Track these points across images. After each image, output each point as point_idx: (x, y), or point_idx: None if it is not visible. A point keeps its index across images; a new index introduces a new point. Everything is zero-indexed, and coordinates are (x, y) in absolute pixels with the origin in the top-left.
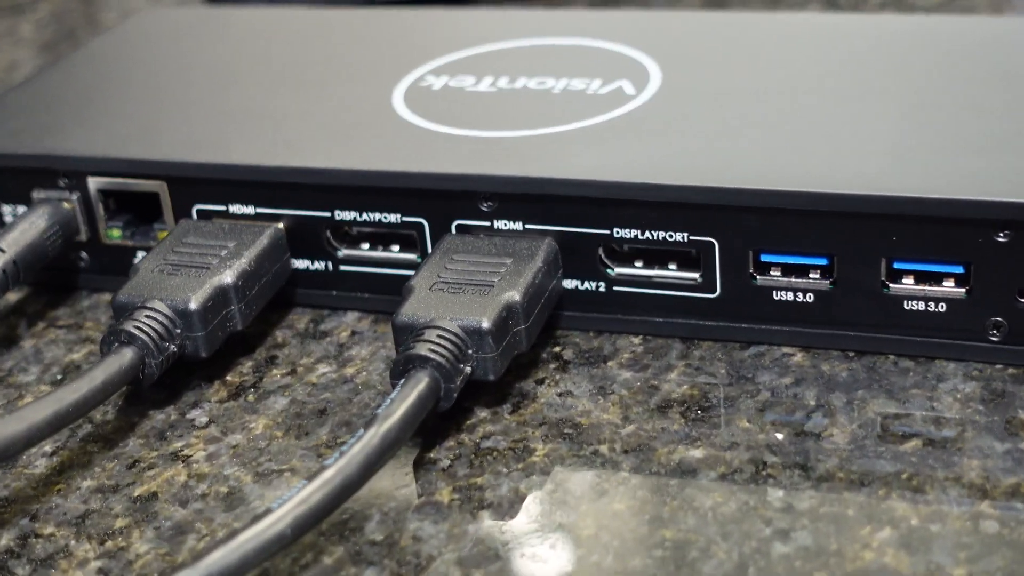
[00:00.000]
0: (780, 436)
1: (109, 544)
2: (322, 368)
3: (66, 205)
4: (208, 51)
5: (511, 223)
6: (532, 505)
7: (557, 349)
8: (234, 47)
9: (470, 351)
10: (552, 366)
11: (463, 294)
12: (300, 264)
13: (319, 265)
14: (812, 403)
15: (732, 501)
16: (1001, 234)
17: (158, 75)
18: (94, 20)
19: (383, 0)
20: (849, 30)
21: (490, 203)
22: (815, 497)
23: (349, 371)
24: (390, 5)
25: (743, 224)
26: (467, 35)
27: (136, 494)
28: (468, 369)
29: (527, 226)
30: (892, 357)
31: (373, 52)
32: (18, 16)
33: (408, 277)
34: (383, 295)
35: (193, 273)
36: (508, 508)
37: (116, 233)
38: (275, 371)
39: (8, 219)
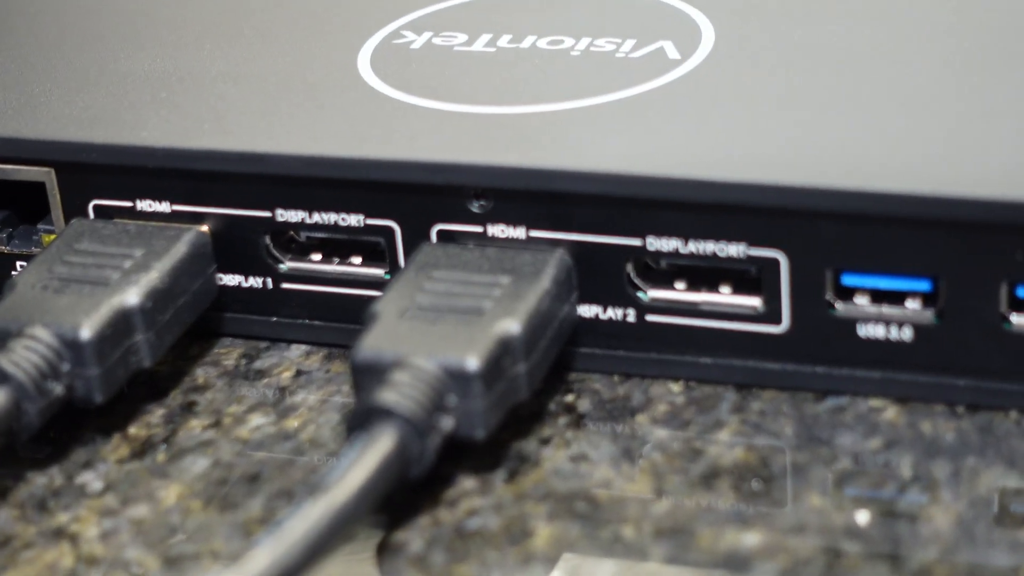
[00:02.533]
0: (863, 518)
1: None
2: (256, 419)
3: None
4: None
5: (511, 229)
6: None
7: (570, 398)
8: None
9: (451, 399)
10: (562, 421)
11: (444, 323)
12: (230, 280)
13: (255, 282)
14: (907, 474)
15: (780, 554)
16: None
17: (42, 24)
18: None
19: None
20: None
21: (483, 202)
22: None
23: (292, 424)
24: None
25: (819, 235)
26: None
27: None
28: (448, 424)
29: (532, 233)
30: (1014, 414)
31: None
32: None
33: (373, 299)
34: (339, 323)
35: (87, 291)
36: None
37: None
38: (194, 422)
39: None
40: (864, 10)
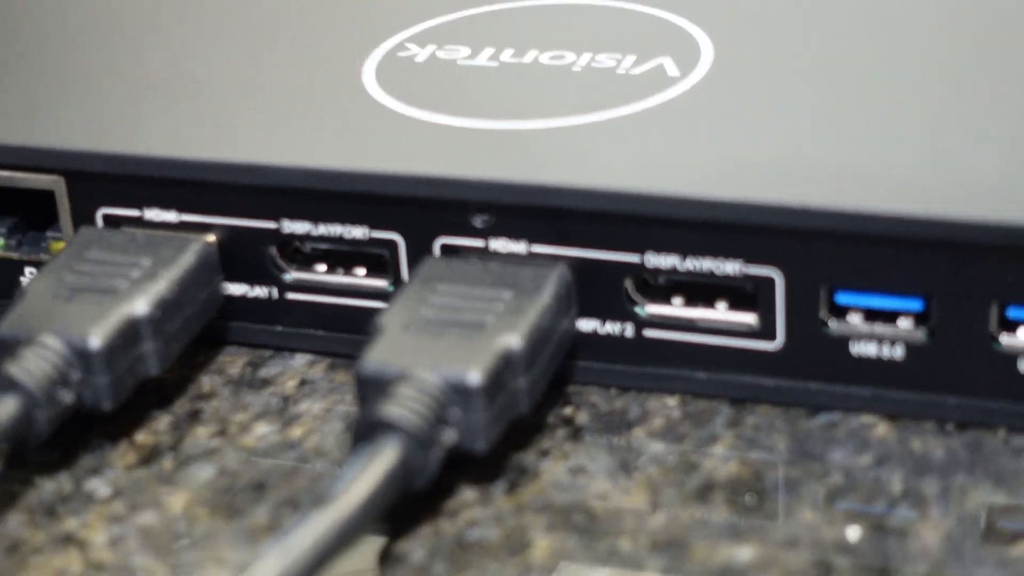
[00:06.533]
0: (854, 533)
1: None
2: (261, 428)
3: None
4: None
5: (512, 243)
6: None
7: (568, 411)
8: None
9: (453, 412)
10: (561, 433)
11: (447, 336)
12: (236, 290)
13: (261, 291)
14: (897, 490)
15: (774, 566)
16: None
17: (51, 26)
18: None
19: None
20: None
21: (486, 217)
22: None
23: (296, 433)
24: None
25: (813, 253)
26: None
27: None
28: (451, 437)
29: (533, 248)
30: (1002, 432)
31: (340, 4)
32: None
33: (377, 311)
34: (343, 333)
35: (96, 300)
36: None
37: None
38: (200, 430)
39: None
40: (862, 30)
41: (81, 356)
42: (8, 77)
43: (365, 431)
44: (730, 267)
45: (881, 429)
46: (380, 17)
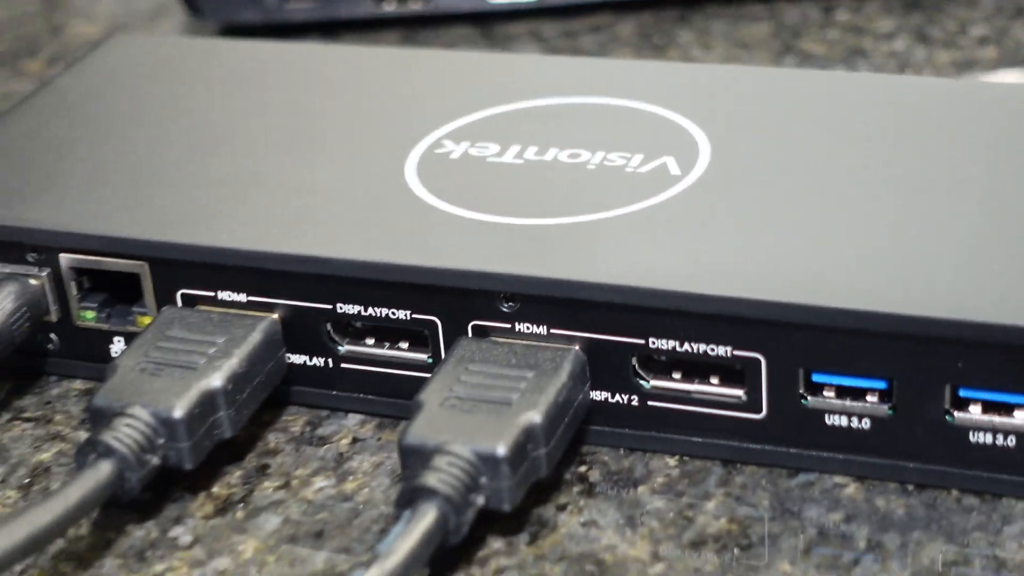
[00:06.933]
0: None
1: None
2: (319, 482)
3: (34, 282)
4: (194, 98)
5: (534, 327)
6: None
7: (583, 469)
8: (223, 94)
9: (483, 479)
10: (576, 489)
11: (478, 413)
12: (297, 359)
13: (318, 361)
14: (863, 545)
15: None
16: None
17: (137, 128)
18: (58, 30)
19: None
20: (941, 95)
21: (511, 303)
22: None
23: (349, 487)
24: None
25: (793, 341)
26: (497, 86)
27: None
28: (481, 500)
29: (552, 331)
30: (955, 493)
31: (388, 103)
32: None
33: (417, 380)
34: (389, 397)
35: (178, 375)
36: None
37: (90, 315)
38: (267, 483)
39: None
40: (841, 144)
41: (166, 425)
42: (102, 176)
43: (408, 497)
44: (721, 351)
45: (851, 489)
46: (423, 114)
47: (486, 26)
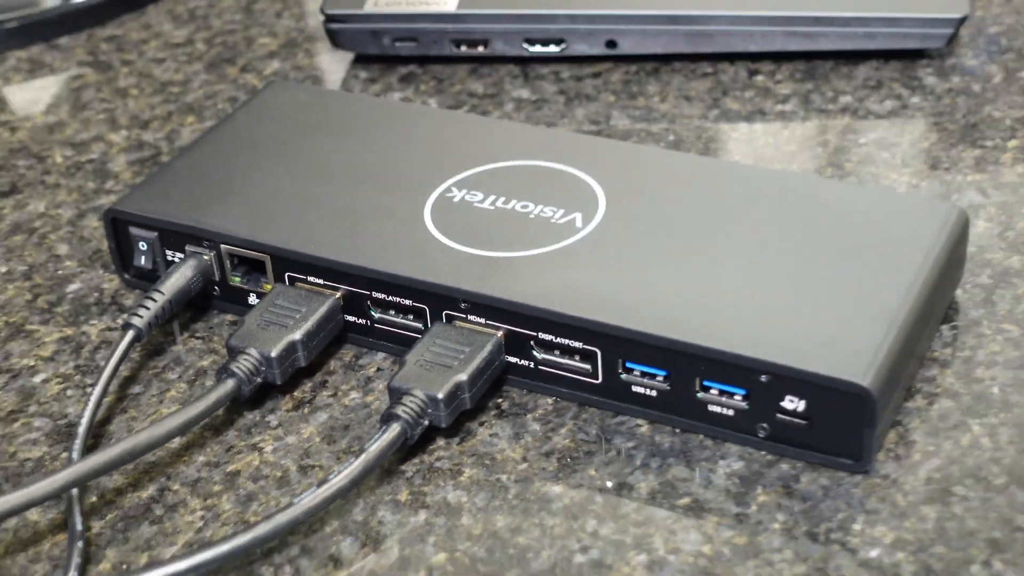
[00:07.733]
0: (609, 484)
1: (208, 501)
2: (353, 394)
3: (205, 258)
4: (315, 139)
5: (478, 319)
6: (454, 505)
7: (500, 400)
8: (335, 138)
9: (429, 411)
10: (492, 413)
11: (433, 371)
12: (350, 319)
13: (362, 322)
14: (639, 462)
15: (566, 497)
16: (763, 376)
17: (277, 160)
18: (252, 43)
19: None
20: (800, 191)
21: (465, 304)
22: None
23: (370, 399)
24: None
25: (615, 343)
26: (493, 146)
27: (228, 470)
28: (426, 422)
29: (488, 323)
30: (700, 437)
31: (428, 154)
32: (192, 28)
33: (412, 338)
34: (399, 344)
35: (276, 331)
36: (441, 508)
37: (237, 279)
38: (324, 392)
39: (174, 260)
40: (703, 209)
41: (267, 361)
42: (252, 195)
43: (386, 417)
44: (576, 344)
45: (644, 428)
46: (445, 165)
47: (526, 66)
